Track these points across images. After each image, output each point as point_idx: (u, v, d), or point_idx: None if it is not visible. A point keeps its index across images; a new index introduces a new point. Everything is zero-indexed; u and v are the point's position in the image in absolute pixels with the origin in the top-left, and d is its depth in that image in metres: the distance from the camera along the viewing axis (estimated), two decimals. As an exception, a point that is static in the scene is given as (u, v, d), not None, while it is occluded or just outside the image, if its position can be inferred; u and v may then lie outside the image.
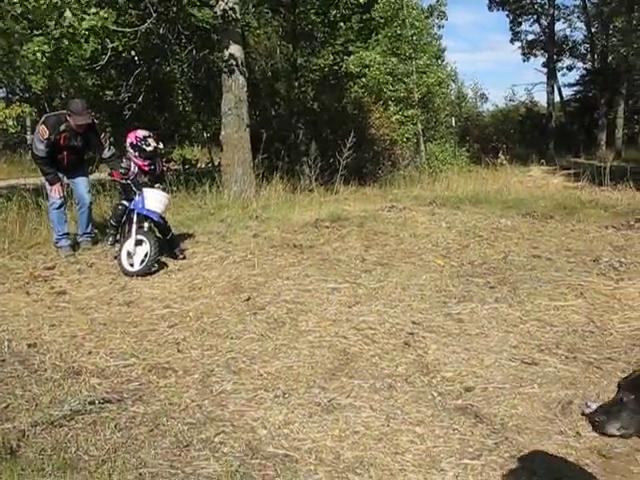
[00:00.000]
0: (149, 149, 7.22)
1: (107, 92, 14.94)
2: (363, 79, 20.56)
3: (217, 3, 11.45)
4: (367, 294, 6.00)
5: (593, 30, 35.57)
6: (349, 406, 3.76)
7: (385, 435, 3.45)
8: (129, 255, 6.85)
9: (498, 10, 37.54)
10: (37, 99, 15.77)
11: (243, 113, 11.50)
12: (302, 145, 17.43)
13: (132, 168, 7.22)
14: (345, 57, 19.15)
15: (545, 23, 36.11)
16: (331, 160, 13.95)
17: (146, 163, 7.31)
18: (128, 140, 7.29)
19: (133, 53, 10.61)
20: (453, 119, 26.50)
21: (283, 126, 18.06)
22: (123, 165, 7.22)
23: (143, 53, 12.62)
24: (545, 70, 36.26)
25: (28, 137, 19.18)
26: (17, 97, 17.39)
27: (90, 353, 4.61)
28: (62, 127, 7.54)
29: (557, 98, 37.58)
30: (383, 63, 21.51)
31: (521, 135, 34.81)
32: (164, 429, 3.51)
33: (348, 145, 12.94)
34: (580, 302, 5.79)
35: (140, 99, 13.59)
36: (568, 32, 37.29)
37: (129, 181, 7.15)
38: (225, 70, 11.40)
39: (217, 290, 6.12)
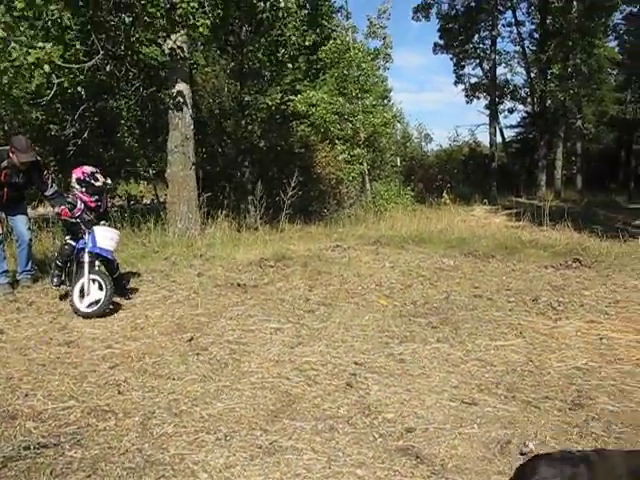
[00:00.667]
0: (97, 184, 7.11)
1: (52, 126, 14.76)
2: (310, 118, 20.77)
3: (165, 41, 11.51)
4: (310, 334, 6.03)
5: (532, 75, 36.72)
6: (291, 448, 3.75)
7: (326, 478, 3.45)
8: (82, 295, 6.69)
9: (442, 54, 38.56)
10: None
11: (189, 151, 11.54)
12: (248, 183, 17.48)
13: (78, 205, 7.05)
14: (292, 96, 19.34)
15: (487, 67, 37.18)
16: (277, 198, 14.03)
17: (93, 199, 7.18)
18: (74, 176, 7.17)
19: (80, 89, 10.50)
20: (398, 159, 26.89)
21: (229, 164, 18.11)
22: (69, 200, 7.07)
23: (89, 89, 12.52)
24: (487, 112, 37.26)
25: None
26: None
27: (27, 395, 4.49)
28: (4, 163, 7.41)
29: (499, 139, 38.61)
30: (330, 102, 21.77)
31: (464, 175, 35.52)
32: (102, 474, 3.43)
33: (293, 184, 13.06)
34: (519, 341, 5.92)
35: (86, 134, 13.46)
36: (509, 76, 38.89)
37: (77, 219, 6.99)
38: (172, 108, 11.44)
39: (160, 330, 6.07)
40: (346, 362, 5.26)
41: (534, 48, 36.64)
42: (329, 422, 4.10)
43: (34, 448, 3.68)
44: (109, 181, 7.62)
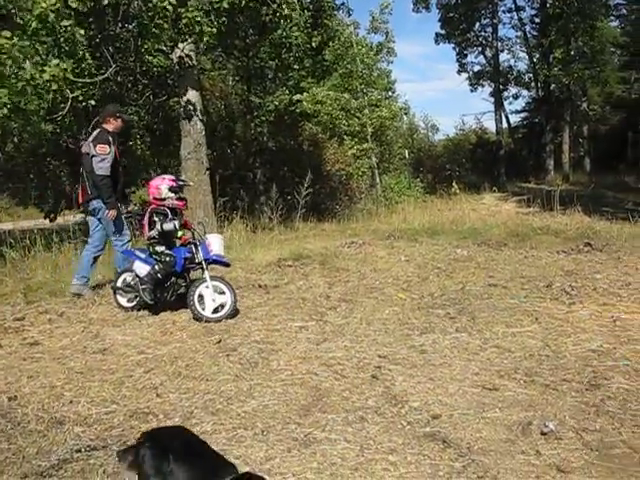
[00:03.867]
0: (191, 183, 7.59)
1: (66, 139, 14.98)
2: (317, 116, 20.94)
3: (173, 51, 11.74)
4: (334, 331, 6.26)
5: (535, 60, 36.67)
6: (325, 439, 3.96)
7: (360, 465, 3.65)
8: (201, 300, 6.83)
9: (445, 43, 38.50)
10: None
11: (202, 157, 11.78)
12: (260, 184, 17.70)
13: (169, 215, 7.11)
14: (299, 95, 19.49)
15: (490, 54, 37.13)
16: (289, 197, 14.23)
17: (183, 202, 7.39)
18: (165, 186, 7.17)
19: (92, 102, 10.74)
20: (406, 151, 27.02)
21: (241, 166, 18.32)
22: (160, 211, 7.12)
23: (101, 100, 12.75)
24: (492, 99, 37.26)
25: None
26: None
27: (71, 402, 4.69)
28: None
29: (505, 125, 38.57)
30: (336, 99, 21.94)
31: (473, 163, 35.47)
32: (152, 472, 3.65)
33: (306, 182, 13.26)
34: (535, 327, 6.13)
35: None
36: (512, 62, 38.41)
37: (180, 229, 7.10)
38: (183, 116, 11.67)
39: (189, 334, 6.29)
40: (370, 355, 5.48)
41: (535, 33, 36.59)
42: (359, 413, 4.31)
43: (85, 450, 3.89)
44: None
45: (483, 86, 38.85)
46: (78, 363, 5.61)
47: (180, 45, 11.36)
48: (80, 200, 8.22)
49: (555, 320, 6.31)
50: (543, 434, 3.91)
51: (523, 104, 43.97)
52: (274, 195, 13.31)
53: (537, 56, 36.45)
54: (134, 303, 7.25)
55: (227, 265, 7.50)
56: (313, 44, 16.71)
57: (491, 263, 9.17)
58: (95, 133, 8.04)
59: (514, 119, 42.96)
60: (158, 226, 7.02)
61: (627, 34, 34.80)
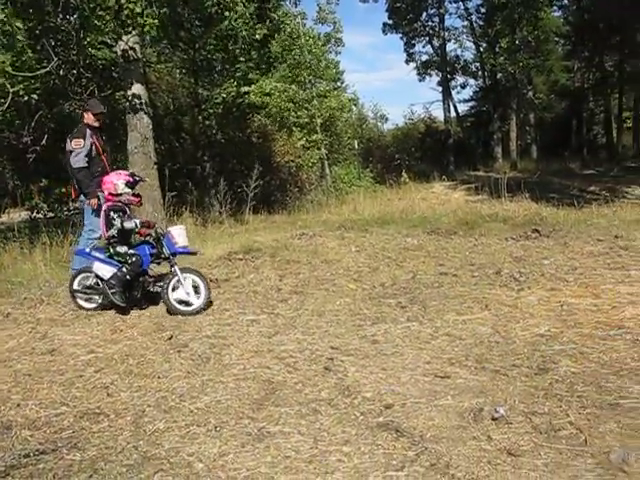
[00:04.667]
0: (141, 182, 7.27)
1: (7, 135, 14.61)
2: (266, 108, 20.86)
3: (117, 43, 11.54)
4: (285, 323, 6.24)
5: (481, 49, 37.18)
6: (278, 433, 3.95)
7: (315, 457, 3.65)
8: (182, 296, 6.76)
9: (392, 33, 38.72)
10: None
11: (150, 151, 11.61)
12: (209, 178, 17.53)
13: (127, 211, 7.06)
14: (246, 87, 19.36)
15: (437, 44, 37.54)
16: (239, 190, 14.15)
17: (138, 199, 7.26)
18: (122, 181, 7.01)
19: (35, 97, 10.50)
20: (355, 141, 27.09)
21: (189, 160, 18.14)
22: (117, 209, 6.96)
23: (44, 95, 12.47)
24: (440, 88, 37.64)
25: None
26: None
27: (18, 406, 4.58)
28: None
29: (454, 114, 39.03)
30: (284, 90, 21.89)
31: (422, 152, 35.81)
32: (103, 473, 3.57)
33: (255, 175, 13.21)
34: (485, 314, 6.21)
35: (44, 141, 13.38)
36: (459, 52, 38.97)
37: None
38: (129, 110, 11.49)
39: (139, 331, 6.21)
40: (322, 347, 5.48)
41: (482, 23, 37.09)
42: (312, 405, 4.31)
43: (33, 455, 3.79)
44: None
45: (431, 75, 39.44)
46: (26, 365, 5.48)
47: (124, 37, 11.15)
48: (73, 196, 8.87)
49: (504, 306, 6.40)
50: (494, 419, 3.95)
51: (471, 93, 44.59)
52: (222, 188, 13.20)
53: (483, 45, 37.03)
54: (96, 305, 7.07)
55: (194, 254, 7.51)
56: (258, 36, 16.59)
57: (441, 251, 9.26)
58: (75, 129, 8.47)
59: (462, 108, 43.63)
60: (118, 224, 6.84)
61: (569, 24, 35.50)
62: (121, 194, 7.00)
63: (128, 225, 6.84)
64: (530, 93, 37.01)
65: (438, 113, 43.48)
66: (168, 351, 5.59)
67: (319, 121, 22.64)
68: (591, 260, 8.18)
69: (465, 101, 44.25)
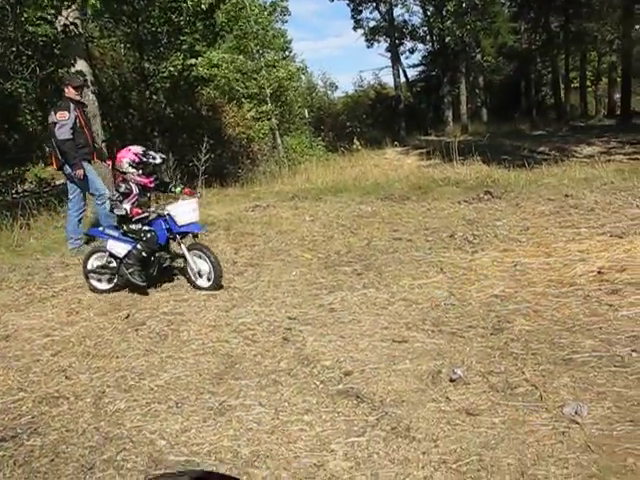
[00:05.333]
0: (157, 162, 6.75)
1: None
2: (214, 80, 20.62)
3: (57, 19, 11.24)
4: (242, 296, 6.25)
5: (429, 14, 37.17)
6: (240, 406, 3.97)
7: (276, 428, 3.69)
8: (199, 274, 6.62)
9: (339, 0, 38.51)
10: None
11: (97, 128, 11.37)
12: (160, 153, 17.27)
13: (134, 190, 6.64)
14: (193, 59, 19.08)
15: (384, 10, 37.34)
16: (190, 165, 13.99)
17: (152, 179, 6.85)
18: (126, 160, 6.64)
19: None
20: (306, 110, 26.98)
21: (138, 136, 17.84)
22: (121, 190, 6.57)
23: (-19, 74, 12.12)
24: (389, 54, 37.59)
25: None
26: None
27: (-25, 394, 4.55)
28: None
29: (403, 80, 39.09)
30: (232, 61, 21.65)
31: (373, 119, 35.88)
32: (65, 457, 3.56)
33: (205, 148, 13.07)
34: (441, 277, 6.30)
35: (-15, 122, 13.04)
36: (407, 17, 38.96)
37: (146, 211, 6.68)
38: (73, 87, 11.21)
39: (95, 312, 6.14)
40: (280, 318, 5.51)
41: (428, -14, 37.01)
42: (272, 377, 4.34)
43: (-7, 442, 3.77)
44: (163, 155, 7.20)
45: (379, 41, 39.31)
46: (-21, 352, 5.39)
47: (64, 12, 10.85)
48: (54, 166, 9.03)
49: (459, 269, 6.49)
50: (452, 381, 4.04)
51: (420, 58, 44.69)
52: (172, 164, 13.04)
53: (431, 9, 36.96)
54: (112, 285, 6.81)
55: (198, 231, 6.96)
56: (203, 6, 16.31)
57: (395, 217, 9.31)
58: (59, 102, 8.82)
59: (412, 73, 43.74)
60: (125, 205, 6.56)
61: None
62: (125, 172, 6.69)
63: (117, 212, 6.61)
64: (478, 56, 37.26)
65: (388, 79, 43.77)
66: (126, 330, 5.56)
67: (268, 91, 22.49)
68: (542, 220, 8.32)
69: (414, 66, 44.39)
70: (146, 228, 6.62)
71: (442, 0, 33.40)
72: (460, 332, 4.86)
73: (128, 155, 6.68)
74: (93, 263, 6.86)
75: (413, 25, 39.35)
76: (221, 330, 5.36)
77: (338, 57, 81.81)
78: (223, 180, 15.65)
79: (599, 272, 5.87)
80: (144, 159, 6.65)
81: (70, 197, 8.88)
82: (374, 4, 38.20)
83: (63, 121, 8.40)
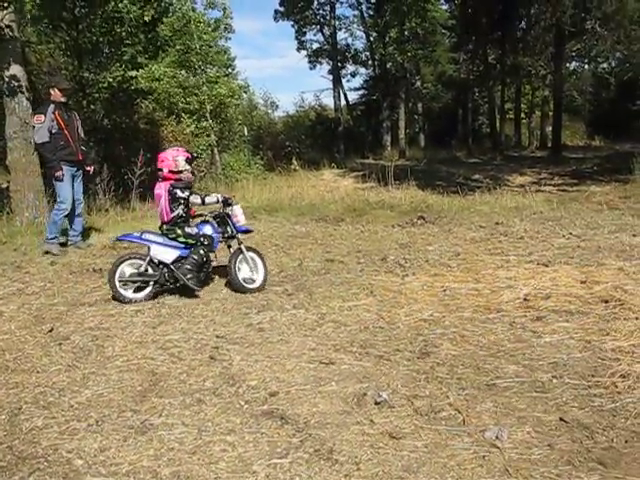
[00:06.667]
0: (196, 157, 7.04)
1: None
2: (154, 94, 20.41)
3: (-9, 21, 10.98)
4: (171, 313, 6.16)
5: (372, 39, 37.71)
6: (162, 425, 3.89)
7: (199, 448, 3.61)
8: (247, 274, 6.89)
9: (283, 20, 38.69)
10: None
11: (30, 136, 11.10)
12: (95, 164, 16.97)
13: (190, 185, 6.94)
14: (134, 71, 18.85)
15: (328, 33, 37.76)
16: (125, 177, 13.80)
17: (193, 176, 7.08)
18: (180, 157, 6.80)
19: None
20: (245, 128, 26.91)
21: (73, 145, 17.52)
22: (181, 186, 6.79)
23: None
24: (331, 77, 37.94)
25: None
26: None
27: None
28: None
29: (344, 102, 39.46)
30: (173, 76, 21.50)
31: (312, 140, 35.97)
32: (-28, 478, 3.44)
33: (141, 161, 12.93)
34: (371, 300, 6.32)
35: None
36: (350, 41, 39.55)
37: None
38: (6, 93, 10.96)
39: (17, 324, 5.96)
40: (208, 336, 5.44)
41: (372, 12, 37.61)
42: (196, 395, 4.26)
43: None
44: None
45: (322, 63, 39.67)
46: None
47: (-1, 14, 10.63)
48: None
49: (389, 292, 6.54)
50: (377, 404, 4.03)
51: (361, 81, 45.13)
52: (107, 175, 12.83)
53: (373, 35, 37.51)
54: (144, 293, 6.63)
55: (252, 232, 7.64)
56: (146, 18, 16.16)
57: (329, 238, 9.36)
58: (41, 105, 9.19)
59: (352, 96, 44.20)
60: (197, 199, 6.75)
61: (455, 17, 36.54)
62: (182, 171, 6.75)
63: (210, 200, 6.77)
64: (418, 83, 37.97)
65: (329, 101, 43.88)
66: (48, 344, 5.40)
67: (209, 107, 22.37)
68: (473, 246, 8.49)
69: (355, 89, 45.06)
70: (204, 232, 6.74)
71: (385, 27, 34.00)
72: (387, 355, 4.87)
73: (181, 153, 6.86)
74: (124, 270, 6.61)
75: (356, 49, 39.89)
76: (147, 347, 5.25)
77: (281, 77, 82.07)
78: (158, 194, 15.43)
79: (525, 299, 5.99)
80: (193, 154, 7.05)
81: (58, 198, 9.04)
82: (318, 27, 38.61)
83: (39, 124, 8.76)
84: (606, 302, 5.76)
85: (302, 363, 4.77)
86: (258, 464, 3.43)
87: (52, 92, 8.98)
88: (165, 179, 6.82)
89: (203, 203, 6.78)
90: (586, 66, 39.68)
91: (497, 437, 3.54)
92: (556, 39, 28.48)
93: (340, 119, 36.80)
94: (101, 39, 17.67)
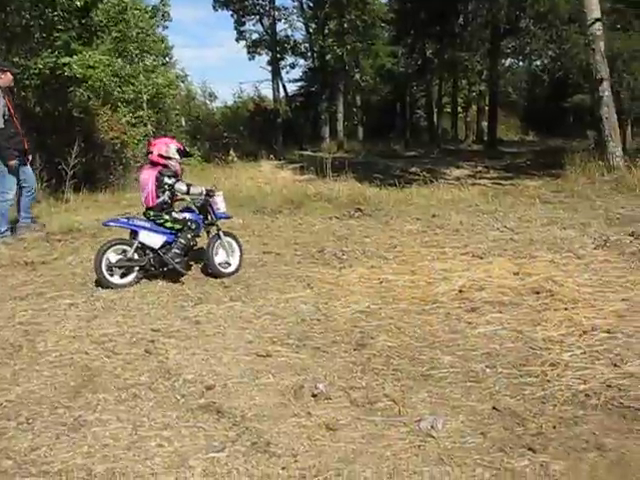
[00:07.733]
0: (188, 154, 7.31)
1: None
2: (89, 82, 19.93)
3: None
4: (105, 306, 6.04)
5: (311, 31, 37.70)
6: (96, 421, 3.81)
7: (134, 444, 3.56)
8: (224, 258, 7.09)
9: (222, 10, 38.31)
10: None
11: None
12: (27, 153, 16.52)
13: (179, 172, 6.99)
14: (67, 58, 18.36)
15: (267, 23, 37.61)
16: (59, 167, 13.46)
17: (181, 169, 7.12)
18: (173, 146, 6.93)
19: None
20: (183, 119, 26.65)
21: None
22: (169, 173, 6.85)
23: None
24: (270, 67, 37.80)
25: None
26: None
27: None
28: None
29: (283, 94, 39.40)
30: (108, 64, 21.06)
31: (251, 131, 35.82)
32: None
33: (75, 151, 12.64)
34: (308, 292, 6.34)
35: None
36: (289, 32, 39.24)
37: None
38: None
39: (-58, 319, 5.77)
40: (143, 330, 5.36)
41: (311, 4, 37.57)
42: (131, 390, 4.20)
43: None
44: None
45: (261, 54, 39.46)
46: None
47: None
48: None
49: (326, 284, 6.55)
50: (314, 396, 4.04)
51: (300, 73, 45.14)
52: (39, 165, 12.51)
53: (313, 27, 37.48)
54: (129, 279, 6.64)
55: (230, 218, 7.83)
56: (78, 3, 15.75)
57: (266, 231, 9.34)
58: None
59: (291, 88, 44.22)
60: (183, 186, 6.88)
61: (394, 11, 36.83)
62: (171, 158, 6.82)
63: (194, 190, 6.90)
64: (357, 75, 38.07)
65: (267, 92, 43.86)
66: (-25, 340, 5.24)
67: (146, 97, 22.04)
68: (410, 238, 8.58)
69: (294, 81, 44.87)
70: (190, 217, 6.88)
71: (324, 19, 34.02)
72: (324, 347, 4.89)
73: (174, 142, 7.04)
74: (110, 257, 6.57)
75: (295, 41, 39.77)
76: (81, 341, 5.15)
77: (220, 67, 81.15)
78: (93, 185, 15.14)
79: (460, 291, 6.08)
80: (187, 150, 7.27)
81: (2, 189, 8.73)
82: (257, 17, 38.40)
83: None
84: (537, 293, 5.91)
85: (239, 356, 4.75)
86: (195, 458, 3.40)
87: (3, 76, 8.60)
88: (153, 163, 6.90)
89: (188, 192, 6.93)
90: (521, 63, 40.75)
91: (432, 427, 3.59)
92: (492, 36, 29.10)
93: (279, 110, 36.78)
94: (32, 23, 17.11)
